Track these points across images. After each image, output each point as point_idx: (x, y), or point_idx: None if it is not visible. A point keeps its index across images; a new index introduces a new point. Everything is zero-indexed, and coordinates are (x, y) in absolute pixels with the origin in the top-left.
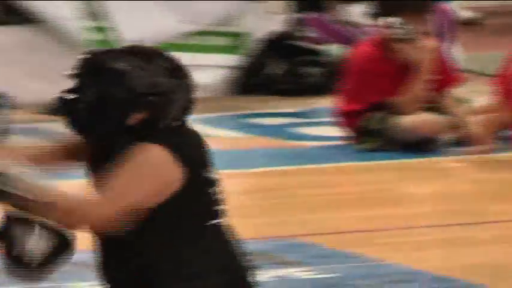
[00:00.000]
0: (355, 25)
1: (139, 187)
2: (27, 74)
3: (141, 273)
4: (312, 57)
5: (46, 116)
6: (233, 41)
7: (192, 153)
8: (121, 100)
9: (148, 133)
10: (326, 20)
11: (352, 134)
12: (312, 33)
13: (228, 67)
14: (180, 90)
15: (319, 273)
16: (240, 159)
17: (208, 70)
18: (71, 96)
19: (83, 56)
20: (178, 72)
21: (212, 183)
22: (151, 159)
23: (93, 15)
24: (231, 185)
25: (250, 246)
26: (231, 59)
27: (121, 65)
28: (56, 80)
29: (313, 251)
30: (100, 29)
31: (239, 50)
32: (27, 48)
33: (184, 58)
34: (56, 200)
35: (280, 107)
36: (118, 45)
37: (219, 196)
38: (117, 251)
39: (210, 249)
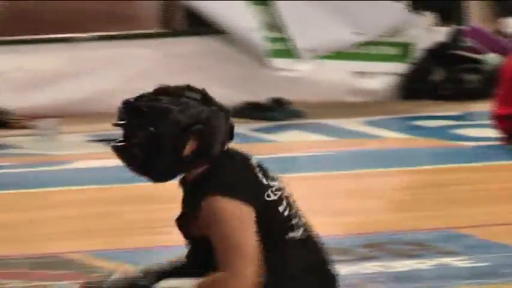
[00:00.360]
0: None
1: (247, 244)
2: (212, 79)
3: None
4: (471, 65)
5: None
6: (400, 50)
7: (250, 186)
8: (171, 135)
9: (205, 161)
10: (485, 32)
11: (506, 135)
12: (472, 44)
13: (395, 74)
14: (217, 115)
15: (475, 262)
16: (405, 157)
17: (376, 77)
18: (122, 143)
19: (122, 106)
20: (208, 100)
21: (276, 202)
22: (232, 216)
23: (273, 26)
24: (396, 181)
25: (413, 237)
26: (398, 67)
27: (161, 105)
28: (238, 85)
29: (468, 242)
30: (279, 40)
31: (405, 59)
32: (213, 57)
33: (354, 66)
34: None
35: (441, 110)
36: (295, 55)
37: (291, 210)
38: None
39: (292, 258)
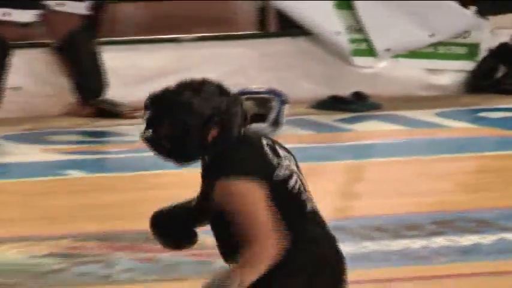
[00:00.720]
0: None
1: (260, 216)
2: (301, 76)
3: None
4: None
5: (314, 110)
6: (467, 50)
7: (261, 166)
8: (196, 126)
9: (224, 146)
10: None
11: None
12: None
13: (463, 71)
14: (234, 104)
15: None
16: (471, 145)
17: (447, 74)
18: (151, 134)
19: (149, 98)
20: (225, 91)
21: (285, 181)
22: (247, 194)
23: (355, 29)
24: (462, 166)
25: (477, 215)
26: (465, 65)
27: (185, 98)
28: (323, 81)
29: None
30: (360, 40)
31: (472, 58)
32: (302, 56)
33: (427, 64)
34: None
35: (504, 103)
36: (374, 54)
37: (299, 188)
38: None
39: (311, 231)
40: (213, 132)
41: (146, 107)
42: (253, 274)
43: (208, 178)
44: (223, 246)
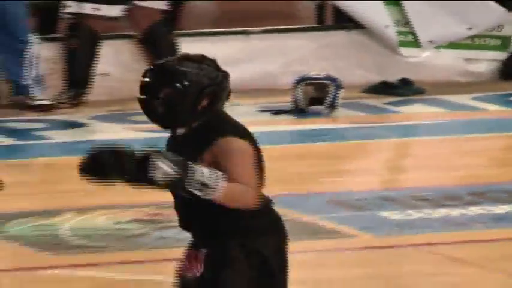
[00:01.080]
0: None
1: (252, 171)
2: (354, 64)
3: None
4: None
5: (365, 94)
6: (501, 42)
7: (250, 133)
8: (193, 93)
9: (212, 114)
10: None
11: None
12: None
13: (497, 60)
14: (226, 80)
15: None
16: (503, 125)
17: (482, 62)
18: (148, 97)
19: (151, 66)
20: (219, 67)
21: (260, 150)
22: (246, 151)
23: (402, 23)
24: (496, 143)
25: (509, 187)
26: (499, 55)
27: (186, 68)
28: (374, 69)
29: None
30: (406, 33)
31: (504, 49)
32: (356, 46)
33: (465, 54)
34: (236, 187)
35: None
36: (419, 45)
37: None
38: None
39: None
40: (204, 103)
41: (145, 73)
42: (235, 198)
43: (207, 139)
44: (194, 214)
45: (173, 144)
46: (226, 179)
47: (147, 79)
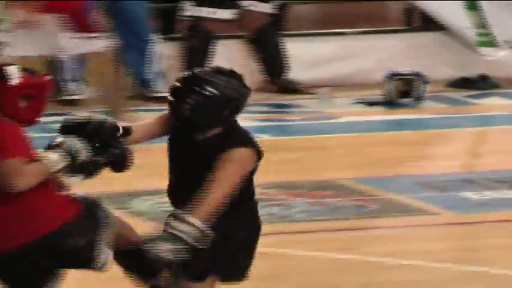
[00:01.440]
0: None
1: (234, 182)
2: (438, 62)
3: None
4: None
5: (448, 89)
6: None
7: (256, 142)
8: (219, 103)
9: (229, 123)
10: None
11: None
12: None
13: None
14: (247, 95)
15: None
16: None
17: None
18: (178, 101)
19: (186, 75)
20: (245, 83)
21: (261, 158)
22: (244, 163)
23: (480, 25)
24: None
25: None
26: None
27: (217, 80)
28: (456, 66)
29: None
30: (484, 34)
31: None
32: (439, 46)
33: None
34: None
35: None
36: (496, 45)
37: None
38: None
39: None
40: (225, 113)
41: (178, 79)
42: (211, 215)
43: (220, 144)
44: (187, 189)
45: (183, 144)
46: (195, 216)
47: (178, 84)
